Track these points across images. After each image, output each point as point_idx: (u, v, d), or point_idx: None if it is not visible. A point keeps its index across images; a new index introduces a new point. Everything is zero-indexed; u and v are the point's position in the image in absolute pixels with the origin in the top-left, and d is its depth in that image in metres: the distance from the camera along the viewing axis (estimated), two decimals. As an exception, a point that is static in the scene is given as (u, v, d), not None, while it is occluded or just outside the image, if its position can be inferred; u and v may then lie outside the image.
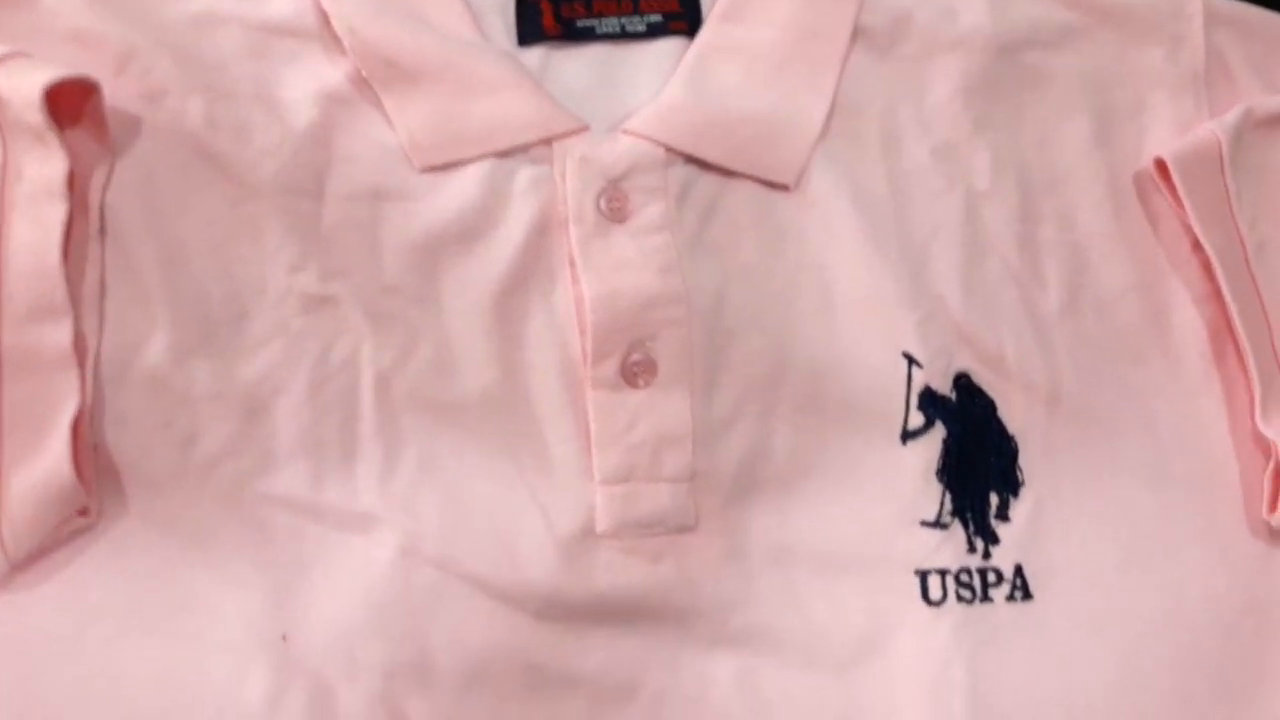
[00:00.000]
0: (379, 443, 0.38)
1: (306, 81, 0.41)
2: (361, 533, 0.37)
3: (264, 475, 0.37)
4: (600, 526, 0.38)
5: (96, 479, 0.37)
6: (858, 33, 0.43)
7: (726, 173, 0.41)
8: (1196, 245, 0.42)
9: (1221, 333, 0.42)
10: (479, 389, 0.38)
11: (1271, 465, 0.40)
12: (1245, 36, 0.44)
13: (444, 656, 0.37)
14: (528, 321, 0.39)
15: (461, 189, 0.39)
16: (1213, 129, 0.41)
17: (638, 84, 0.42)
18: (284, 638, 0.36)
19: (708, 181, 0.41)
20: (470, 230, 0.39)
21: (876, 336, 0.40)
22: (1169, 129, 0.43)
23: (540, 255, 0.39)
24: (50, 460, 0.35)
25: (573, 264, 0.39)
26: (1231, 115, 0.42)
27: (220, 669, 0.36)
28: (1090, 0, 0.44)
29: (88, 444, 0.36)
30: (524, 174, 0.40)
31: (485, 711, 0.37)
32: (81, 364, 0.36)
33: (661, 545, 0.38)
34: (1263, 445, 0.40)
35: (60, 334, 0.36)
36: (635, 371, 0.39)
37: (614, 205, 0.39)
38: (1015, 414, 0.40)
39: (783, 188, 0.41)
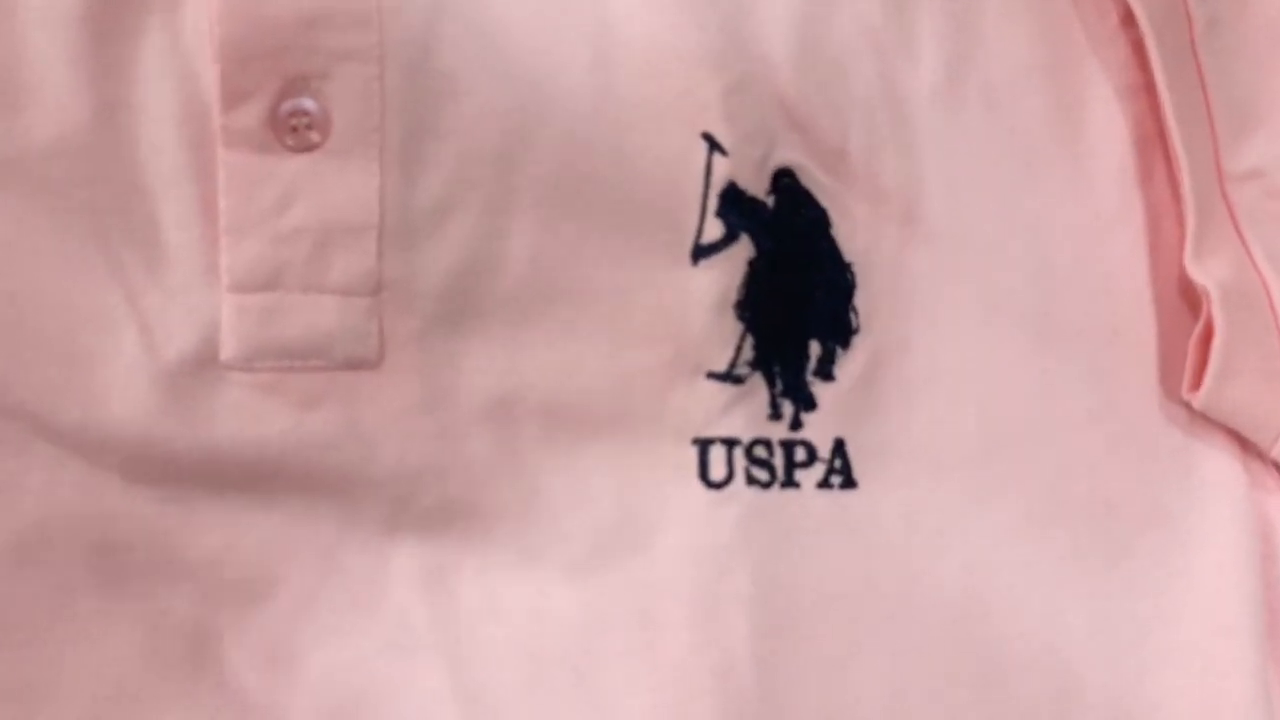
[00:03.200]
0: None
1: None
2: None
3: None
4: (226, 352, 0.27)
5: None
6: None
7: None
8: (1128, 18, 0.31)
9: (1150, 140, 0.31)
10: (56, 136, 0.26)
11: (1201, 324, 0.30)
12: None
13: None
14: (140, 42, 0.27)
15: None
16: None
17: None
18: None
19: None
20: (52, -108, 0.27)
21: (667, 105, 0.29)
22: None
23: None
24: None
25: None
26: None
27: None
28: None
29: None
30: None
31: (42, 604, 0.27)
32: None
33: (321, 385, 0.27)
34: (1190, 297, 0.30)
35: None
36: (294, 125, 0.27)
37: None
38: (856, 232, 0.29)
39: None
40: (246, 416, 0.27)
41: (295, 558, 0.27)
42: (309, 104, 0.27)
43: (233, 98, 0.26)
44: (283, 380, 0.27)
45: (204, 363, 0.27)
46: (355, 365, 0.27)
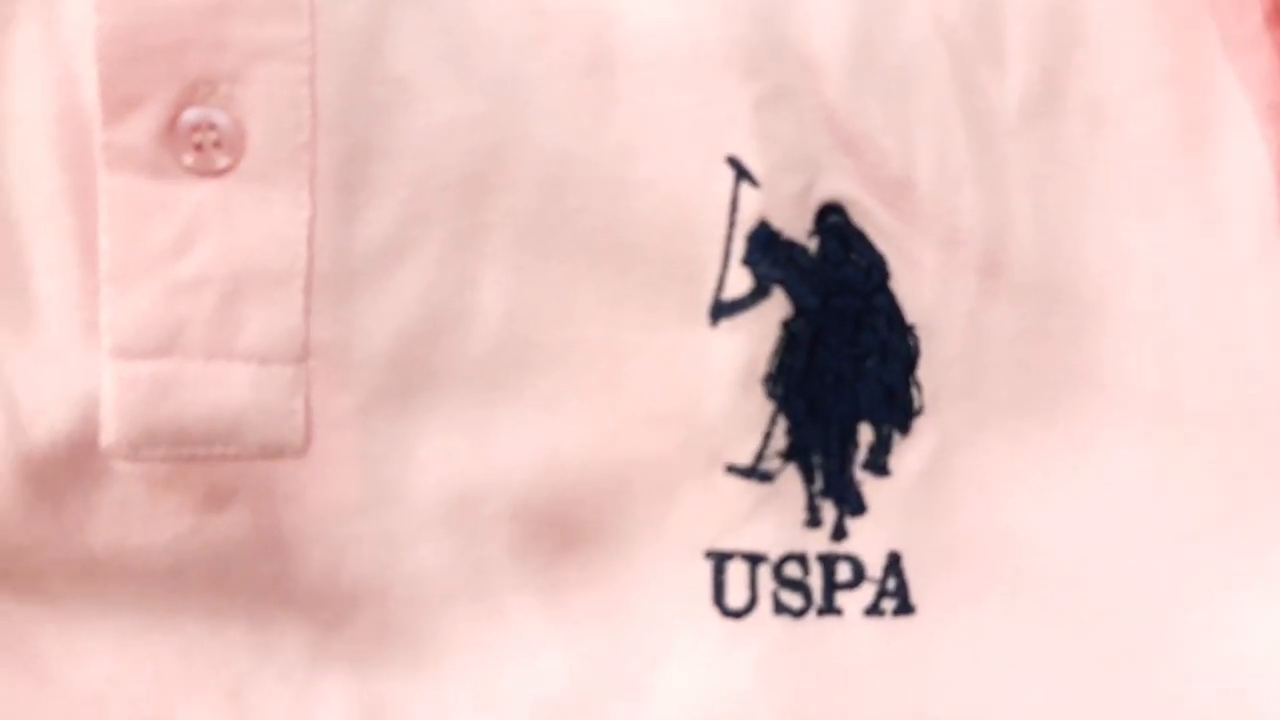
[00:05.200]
0: None
1: None
2: None
3: None
4: (109, 435, 0.22)
5: None
6: None
7: None
8: (1276, 17, 0.25)
9: None
10: None
11: None
12: None
13: None
14: (7, 36, 0.22)
15: None
16: None
17: None
18: None
19: None
20: None
21: (682, 121, 0.23)
22: None
23: None
24: None
25: None
26: None
27: None
28: None
29: None
30: None
31: None
32: None
33: (230, 478, 0.22)
34: None
35: None
36: (198, 143, 0.21)
37: None
38: (922, 285, 0.24)
39: None
40: (134, 518, 0.22)
41: (198, 695, 0.23)
42: (217, 115, 0.21)
43: (118, 107, 0.21)
44: (181, 472, 0.22)
45: (81, 448, 0.22)
46: (274, 453, 0.22)
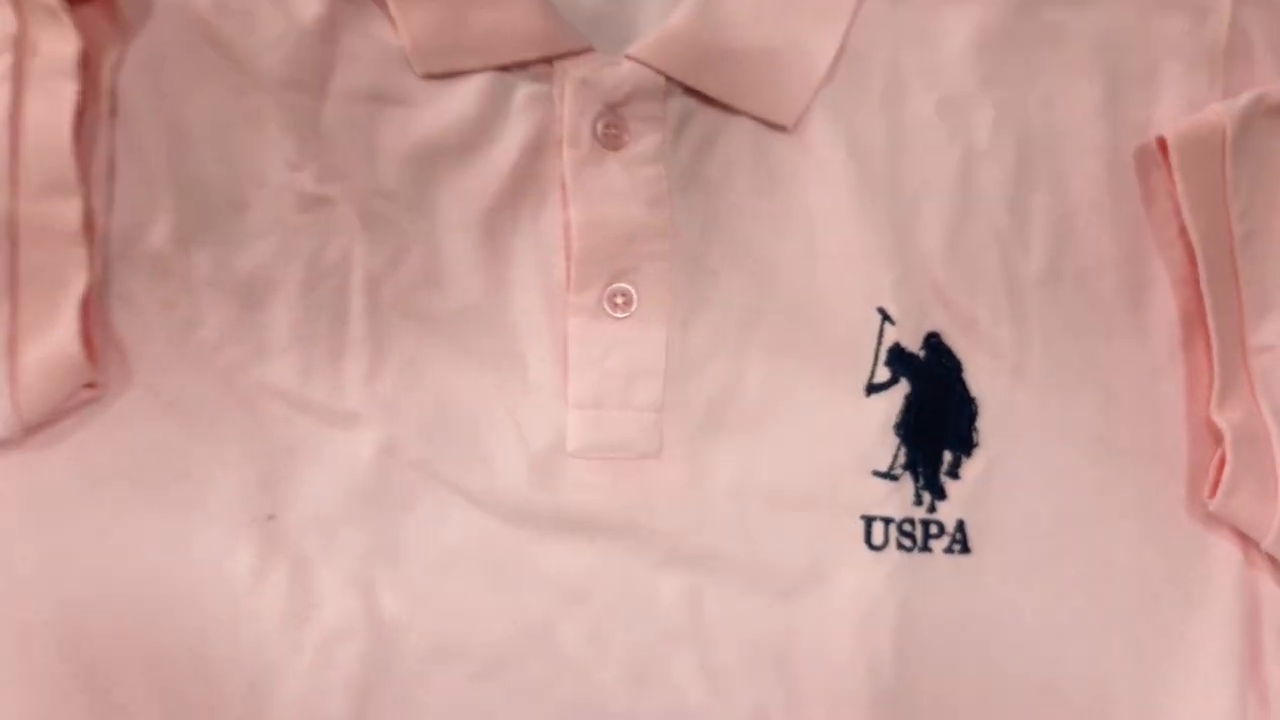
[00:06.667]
0: (366, 345, 0.39)
1: None
2: (345, 429, 0.39)
3: (258, 364, 0.39)
4: (570, 446, 0.39)
5: (103, 353, 0.37)
6: None
7: (726, 108, 0.41)
8: (1185, 229, 0.41)
9: (1194, 319, 0.42)
10: (464, 302, 0.39)
11: (1219, 453, 0.40)
12: (1273, 17, 0.43)
13: (415, 547, 0.39)
14: (515, 239, 0.40)
15: (461, 100, 0.39)
16: (1220, 112, 0.40)
17: (648, 7, 0.41)
18: (271, 517, 0.38)
19: (707, 115, 0.41)
20: (467, 143, 0.39)
21: (854, 289, 0.40)
22: (1180, 102, 0.42)
23: (533, 175, 0.40)
24: (61, 334, 0.36)
25: (564, 187, 0.40)
26: (1243, 100, 0.41)
27: (212, 540, 0.38)
28: None
29: (95, 320, 0.38)
30: (523, 91, 0.40)
31: (454, 597, 0.39)
32: (90, 241, 0.37)
33: (626, 468, 0.40)
34: (1215, 433, 0.41)
35: (71, 211, 0.37)
36: (616, 302, 0.39)
37: (610, 131, 0.39)
38: (980, 377, 0.41)
39: (780, 128, 0.41)
40: (581, 487, 0.39)
41: (604, 578, 0.39)
42: (626, 287, 0.39)
43: (581, 285, 0.39)
44: (604, 465, 0.39)
45: (556, 452, 0.39)
46: (646, 456, 0.40)
